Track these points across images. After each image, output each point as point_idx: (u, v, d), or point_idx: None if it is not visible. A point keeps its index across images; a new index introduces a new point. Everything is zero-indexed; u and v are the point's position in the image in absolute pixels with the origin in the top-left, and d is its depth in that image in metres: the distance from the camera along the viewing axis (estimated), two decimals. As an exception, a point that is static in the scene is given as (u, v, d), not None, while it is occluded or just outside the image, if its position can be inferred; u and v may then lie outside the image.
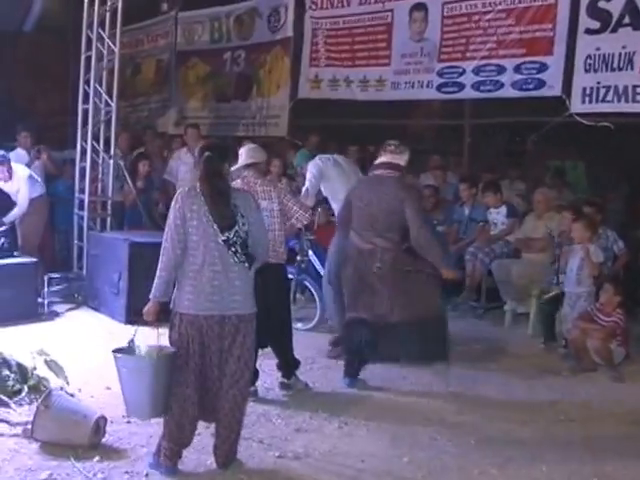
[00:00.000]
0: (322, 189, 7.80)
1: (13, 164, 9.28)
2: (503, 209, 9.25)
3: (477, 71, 10.22)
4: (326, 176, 7.79)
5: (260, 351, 5.92)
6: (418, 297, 6.08)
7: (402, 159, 6.19)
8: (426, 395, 6.57)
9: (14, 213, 9.16)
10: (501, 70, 9.99)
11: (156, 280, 4.79)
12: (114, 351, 4.86)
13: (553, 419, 6.07)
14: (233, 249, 4.65)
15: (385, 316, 6.19)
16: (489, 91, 10.13)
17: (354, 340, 6.43)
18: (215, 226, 4.64)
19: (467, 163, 11.07)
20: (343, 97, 11.82)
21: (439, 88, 10.61)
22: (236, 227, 4.66)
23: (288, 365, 6.56)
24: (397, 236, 5.95)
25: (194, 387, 4.73)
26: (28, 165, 10.16)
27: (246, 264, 4.70)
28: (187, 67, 14.47)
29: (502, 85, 9.98)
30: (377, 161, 6.21)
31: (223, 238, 4.64)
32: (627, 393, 6.71)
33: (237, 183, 6.04)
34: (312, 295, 8.50)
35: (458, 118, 11.44)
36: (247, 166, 6.32)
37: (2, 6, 11.38)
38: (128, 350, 4.88)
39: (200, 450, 5.09)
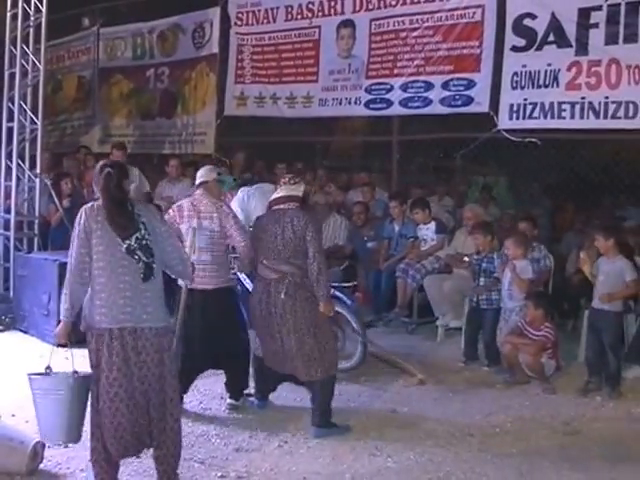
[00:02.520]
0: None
1: None
2: (432, 225, 9.35)
3: (405, 88, 10.36)
4: (249, 208, 8.16)
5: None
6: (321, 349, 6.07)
7: (299, 190, 6.25)
8: (363, 411, 6.58)
9: None
10: (429, 87, 10.16)
11: (62, 299, 4.74)
12: (29, 374, 4.79)
13: (489, 432, 6.13)
14: (136, 256, 4.62)
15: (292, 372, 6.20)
16: (417, 107, 10.28)
17: (265, 376, 6.49)
18: (116, 235, 4.62)
19: (396, 180, 11.17)
20: (270, 114, 11.85)
21: (367, 105, 10.72)
22: (137, 234, 4.65)
23: (239, 386, 6.56)
24: (304, 262, 6.02)
25: (125, 404, 4.60)
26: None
27: (142, 274, 4.65)
28: (110, 84, 14.33)
29: (430, 101, 10.14)
30: (275, 196, 6.24)
31: (125, 245, 4.62)
32: (559, 404, 6.83)
33: (184, 201, 6.59)
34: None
35: (386, 134, 11.57)
36: (198, 185, 6.63)
37: None
38: (44, 374, 4.80)
39: (142, 474, 5.00)
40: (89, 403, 4.71)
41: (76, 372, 4.74)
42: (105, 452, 4.66)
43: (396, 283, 9.23)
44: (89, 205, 4.76)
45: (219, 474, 5.21)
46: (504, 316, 7.71)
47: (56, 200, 9.90)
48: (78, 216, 4.70)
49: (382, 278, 9.39)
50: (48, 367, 4.79)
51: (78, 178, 10.90)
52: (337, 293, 7.28)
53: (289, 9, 11.62)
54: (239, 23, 12.17)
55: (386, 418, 6.41)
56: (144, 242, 4.66)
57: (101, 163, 4.94)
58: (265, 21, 11.91)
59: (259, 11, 11.98)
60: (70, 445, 5.26)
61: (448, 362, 8.10)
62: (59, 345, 4.80)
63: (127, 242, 4.61)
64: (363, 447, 5.75)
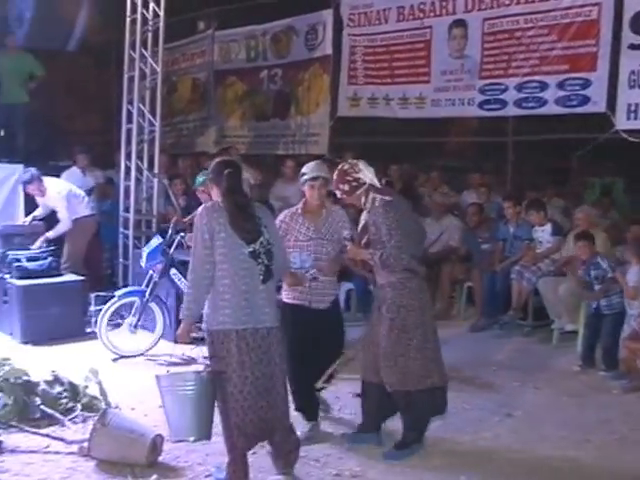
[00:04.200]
0: None
1: (47, 180, 9.34)
2: (548, 227, 9.16)
3: (520, 88, 10.19)
4: None
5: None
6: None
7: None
8: (477, 414, 6.49)
9: (57, 229, 9.21)
10: (544, 87, 9.96)
11: (185, 299, 4.82)
12: (157, 375, 4.92)
13: (607, 439, 5.98)
14: (260, 260, 4.70)
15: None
16: (532, 108, 10.10)
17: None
18: (240, 238, 4.67)
19: (510, 181, 11.00)
20: (382, 115, 11.84)
21: (481, 105, 10.59)
22: (261, 238, 4.73)
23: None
24: None
25: (249, 403, 4.70)
26: (83, 186, 10.28)
27: (262, 276, 4.72)
28: (225, 86, 14.57)
29: (545, 102, 9.94)
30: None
31: (249, 249, 4.68)
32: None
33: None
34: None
35: (498, 135, 11.40)
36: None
37: (47, 25, 11.54)
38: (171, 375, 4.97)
39: (258, 469, 5.07)
40: (217, 399, 4.79)
41: (203, 369, 4.88)
42: (240, 448, 4.76)
43: (511, 285, 9.08)
44: (209, 205, 4.82)
45: (334, 472, 5.24)
46: (627, 321, 7.49)
47: (174, 200, 10.18)
48: (199, 216, 4.76)
49: (496, 280, 9.24)
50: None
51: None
52: None
53: (401, 10, 11.57)
54: (351, 24, 12.19)
55: (500, 422, 6.32)
56: (268, 247, 4.75)
57: (218, 161, 5.01)
58: (377, 22, 11.89)
59: (371, 12, 11.97)
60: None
61: (564, 366, 7.93)
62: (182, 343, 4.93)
63: (252, 246, 4.68)
64: (477, 448, 5.70)
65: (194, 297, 4.75)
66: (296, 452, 5.01)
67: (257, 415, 4.71)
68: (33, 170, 9.25)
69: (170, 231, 8.08)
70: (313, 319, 5.65)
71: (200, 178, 8.01)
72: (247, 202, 4.82)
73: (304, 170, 5.81)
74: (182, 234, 7.95)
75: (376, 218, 5.32)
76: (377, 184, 5.43)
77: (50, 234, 9.18)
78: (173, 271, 8.05)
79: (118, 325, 8.17)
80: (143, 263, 8.14)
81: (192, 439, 4.92)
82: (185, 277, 7.82)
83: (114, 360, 7.75)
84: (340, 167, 5.49)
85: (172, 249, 7.97)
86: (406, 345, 5.35)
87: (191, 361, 7.48)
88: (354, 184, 5.37)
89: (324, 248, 5.67)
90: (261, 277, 4.71)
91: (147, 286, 8.00)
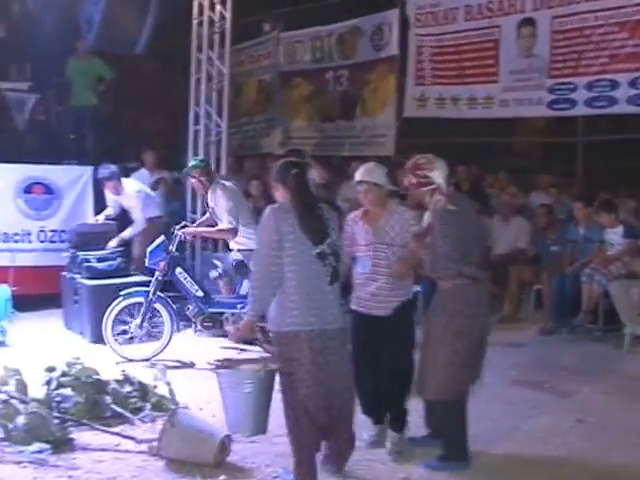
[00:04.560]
0: None
1: (125, 180, 9.48)
2: (620, 229, 8.97)
3: (590, 87, 10.02)
4: None
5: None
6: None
7: None
8: (547, 419, 6.37)
9: (131, 230, 9.34)
10: (615, 85, 9.78)
11: (249, 299, 4.82)
12: (216, 368, 4.99)
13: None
14: (327, 261, 4.68)
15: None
16: (602, 107, 9.92)
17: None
18: (309, 239, 4.65)
19: (580, 181, 10.81)
20: (450, 116, 11.74)
21: (550, 105, 10.44)
22: (328, 240, 4.71)
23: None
24: None
25: (316, 403, 4.69)
26: (150, 186, 10.45)
27: (329, 277, 4.70)
28: (290, 87, 14.61)
29: (616, 101, 9.76)
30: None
31: (317, 251, 4.65)
32: None
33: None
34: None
35: (566, 134, 11.22)
36: None
37: (115, 29, 11.73)
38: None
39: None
40: (284, 402, 4.79)
41: (264, 365, 4.91)
42: (308, 450, 4.76)
43: (581, 288, 8.92)
44: (276, 206, 4.79)
45: (402, 475, 5.20)
46: None
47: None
48: (265, 217, 4.73)
49: (566, 283, 9.09)
50: (224, 360, 4.98)
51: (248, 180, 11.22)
52: None
53: (468, 9, 11.46)
54: (418, 24, 12.12)
55: (572, 428, 6.19)
56: (335, 248, 4.75)
57: (284, 161, 5.00)
58: (444, 22, 11.80)
59: (438, 12, 11.89)
60: (256, 440, 5.43)
61: (635, 372, 7.77)
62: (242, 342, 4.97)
63: (320, 247, 4.66)
64: (548, 454, 5.61)
65: (259, 297, 4.74)
66: (350, 453, 5.01)
67: (327, 416, 4.71)
68: (113, 167, 9.37)
69: (174, 229, 8.08)
70: (372, 326, 5.47)
71: (193, 163, 8.24)
72: (315, 203, 4.81)
73: (355, 173, 5.70)
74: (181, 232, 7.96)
75: (434, 221, 5.22)
76: (445, 188, 5.30)
77: (125, 234, 9.32)
78: (179, 270, 7.99)
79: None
80: (147, 261, 8.08)
81: (247, 434, 5.01)
82: (191, 277, 7.97)
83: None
84: (415, 159, 5.38)
85: (174, 247, 7.91)
86: (456, 353, 5.21)
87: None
88: (423, 180, 5.25)
89: (383, 253, 5.43)
90: (328, 278, 4.69)
91: (152, 286, 7.86)
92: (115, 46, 12.21)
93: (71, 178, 10.30)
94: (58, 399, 5.94)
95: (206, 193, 8.19)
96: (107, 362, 7.05)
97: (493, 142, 12.68)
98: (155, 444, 5.40)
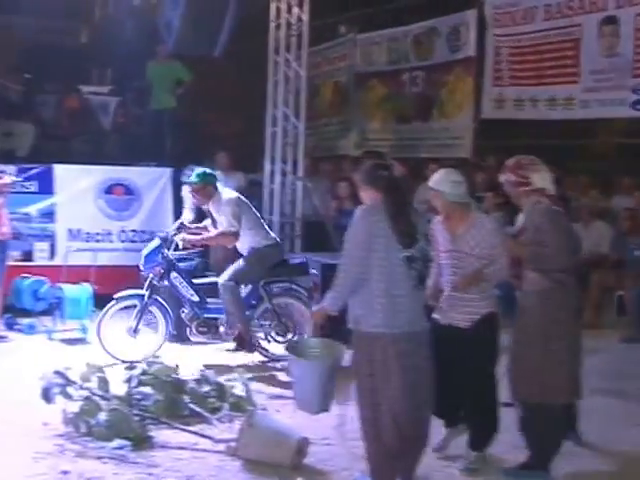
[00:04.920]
0: None
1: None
2: None
3: (676, 86, 9.76)
4: None
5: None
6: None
7: None
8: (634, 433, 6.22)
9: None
10: None
11: (331, 294, 4.78)
12: (287, 348, 5.09)
13: None
14: (414, 265, 4.63)
15: None
16: (689, 107, 9.66)
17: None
18: (399, 242, 4.61)
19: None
20: (529, 117, 11.55)
21: (634, 105, 10.17)
22: (419, 244, 4.67)
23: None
24: None
25: (401, 406, 4.63)
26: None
27: (416, 281, 4.66)
28: (366, 89, 14.57)
29: None
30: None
31: (406, 254, 4.61)
32: None
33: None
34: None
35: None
36: None
37: (194, 32, 11.88)
38: (300, 347, 5.16)
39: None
40: (360, 404, 4.77)
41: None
42: (386, 455, 4.72)
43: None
44: (368, 207, 4.77)
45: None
46: None
47: (316, 203, 10.28)
48: (356, 217, 4.71)
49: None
50: (295, 342, 5.06)
51: (335, 182, 11.23)
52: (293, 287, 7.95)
53: (548, 8, 11.26)
54: (496, 24, 11.95)
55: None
56: (424, 252, 4.71)
57: (373, 163, 4.94)
58: (523, 21, 11.61)
59: (517, 11, 11.71)
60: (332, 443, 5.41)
61: None
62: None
63: (410, 251, 4.62)
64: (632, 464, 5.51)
65: (341, 295, 4.73)
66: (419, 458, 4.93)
67: (407, 418, 4.65)
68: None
69: (168, 233, 8.02)
70: (450, 337, 5.25)
71: (190, 179, 8.03)
72: (407, 205, 4.79)
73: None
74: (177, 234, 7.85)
75: (539, 223, 5.13)
76: (550, 191, 5.23)
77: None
78: (174, 274, 7.91)
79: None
80: (141, 265, 8.04)
81: (314, 411, 5.10)
82: (187, 282, 7.86)
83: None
84: (519, 158, 5.34)
85: (170, 251, 7.87)
86: (545, 356, 5.11)
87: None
88: (522, 180, 5.21)
89: (461, 262, 5.28)
90: (414, 282, 4.66)
91: (147, 290, 7.83)
92: (194, 49, 12.38)
93: (150, 180, 10.48)
94: (138, 397, 6.03)
95: (206, 204, 8.03)
96: (185, 361, 7.11)
97: (572, 144, 12.41)
98: (233, 444, 5.44)
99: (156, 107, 12.28)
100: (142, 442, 5.54)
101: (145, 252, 8.05)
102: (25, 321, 8.83)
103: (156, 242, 8.06)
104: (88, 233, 10.09)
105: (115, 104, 12.69)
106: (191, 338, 8.11)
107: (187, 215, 9.55)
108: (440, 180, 5.39)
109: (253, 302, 7.92)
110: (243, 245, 7.84)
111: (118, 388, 6.17)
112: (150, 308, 7.85)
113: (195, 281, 7.97)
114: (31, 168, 10.18)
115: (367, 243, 4.60)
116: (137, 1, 13.44)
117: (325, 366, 4.92)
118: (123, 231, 10.23)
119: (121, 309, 7.88)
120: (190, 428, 5.83)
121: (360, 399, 4.74)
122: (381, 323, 4.61)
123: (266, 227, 8.09)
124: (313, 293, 8.37)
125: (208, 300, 7.95)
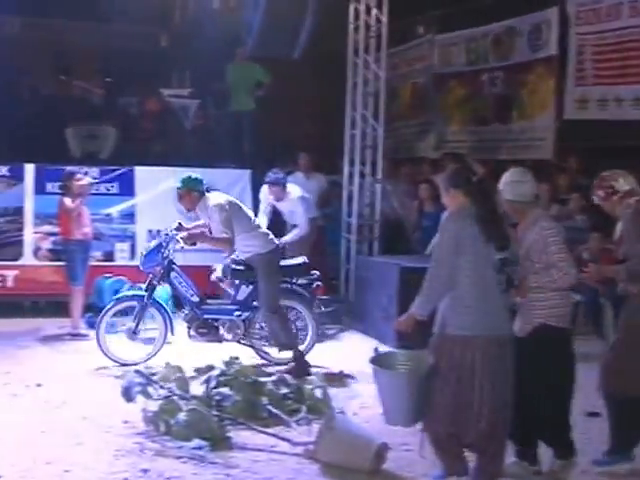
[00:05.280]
0: None
1: (289, 186, 9.57)
2: None
3: None
4: None
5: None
6: None
7: None
8: None
9: (295, 233, 9.43)
10: None
11: (421, 298, 4.76)
12: (371, 361, 4.93)
13: None
14: (505, 269, 4.65)
15: None
16: None
17: None
18: (488, 246, 4.59)
19: None
20: (613, 117, 11.22)
21: None
22: (510, 248, 4.69)
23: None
24: None
25: (488, 409, 4.62)
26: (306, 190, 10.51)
27: (504, 285, 4.67)
28: (445, 90, 14.39)
29: None
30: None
31: (497, 257, 4.62)
32: None
33: None
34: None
35: None
36: None
37: (273, 34, 11.92)
38: (385, 359, 5.02)
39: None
40: (437, 405, 4.72)
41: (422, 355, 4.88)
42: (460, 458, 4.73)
43: None
44: (456, 211, 4.77)
45: None
46: None
47: (396, 205, 10.21)
48: (446, 221, 4.78)
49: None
50: (380, 353, 5.02)
51: (414, 184, 11.14)
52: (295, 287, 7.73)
53: (633, 4, 10.92)
54: (579, 22, 11.66)
55: None
56: (512, 256, 4.71)
57: (459, 167, 4.96)
58: (607, 18, 11.28)
59: (600, 8, 11.39)
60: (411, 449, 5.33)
61: None
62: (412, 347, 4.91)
63: (501, 255, 4.62)
64: None
65: (429, 298, 4.73)
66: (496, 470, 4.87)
67: (485, 422, 4.61)
68: (281, 174, 9.46)
69: (165, 233, 7.87)
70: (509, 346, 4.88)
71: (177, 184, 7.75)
72: (496, 209, 4.78)
73: None
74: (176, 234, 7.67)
75: (626, 224, 5.14)
76: (636, 192, 5.26)
77: (286, 238, 9.32)
78: (174, 274, 7.78)
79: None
80: (141, 265, 7.93)
81: (406, 425, 4.99)
82: (186, 282, 7.73)
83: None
84: (599, 176, 5.46)
85: (170, 251, 7.72)
86: None
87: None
88: (609, 191, 5.33)
89: (521, 265, 5.01)
90: (503, 286, 4.65)
91: (146, 290, 7.72)
92: (273, 51, 12.41)
93: (229, 181, 10.55)
94: (217, 397, 6.07)
95: (193, 210, 7.84)
96: (263, 363, 7.12)
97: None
98: (311, 447, 5.44)
99: (235, 109, 12.38)
100: (220, 443, 5.58)
101: (144, 252, 7.92)
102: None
103: (156, 241, 7.97)
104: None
105: (195, 106, 12.82)
106: (190, 339, 7.89)
107: (261, 219, 9.52)
108: (503, 180, 5.31)
109: (254, 304, 7.74)
110: (244, 251, 7.65)
111: (197, 388, 6.21)
112: (150, 309, 7.74)
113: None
114: (113, 170, 10.36)
115: (456, 247, 4.61)
116: (216, 4, 13.53)
117: (416, 378, 4.81)
118: (203, 232, 10.30)
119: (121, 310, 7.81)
120: (268, 430, 5.85)
121: (438, 399, 4.68)
122: (471, 326, 4.59)
123: (263, 229, 7.85)
124: (315, 294, 8.26)
125: (208, 301, 7.84)
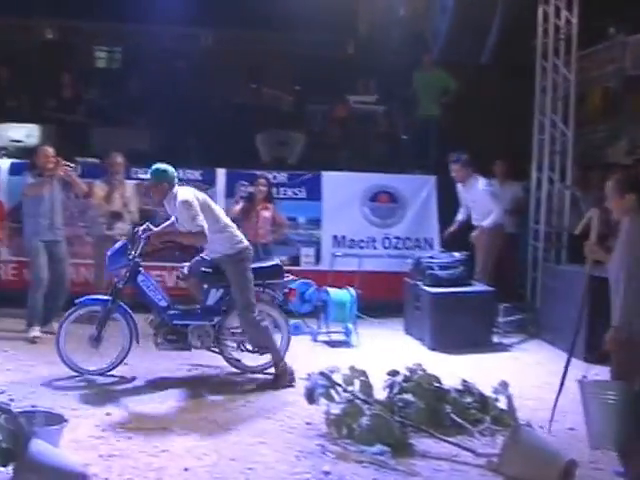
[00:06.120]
0: None
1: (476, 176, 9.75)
2: None
3: None
4: None
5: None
6: None
7: None
8: None
9: (491, 219, 9.57)
10: None
11: (621, 307, 4.68)
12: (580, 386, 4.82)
13: None
14: None
15: None
16: None
17: None
18: None
19: None
20: None
21: None
22: None
23: None
24: None
25: None
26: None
27: None
28: (637, 93, 13.80)
29: None
30: None
31: None
32: None
33: None
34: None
35: None
36: None
37: (461, 39, 11.85)
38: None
39: None
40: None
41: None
42: None
43: None
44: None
45: None
46: None
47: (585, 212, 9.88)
48: (632, 227, 4.76)
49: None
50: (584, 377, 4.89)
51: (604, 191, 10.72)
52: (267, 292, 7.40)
53: None
54: None
55: None
56: None
57: (631, 172, 4.84)
58: None
59: None
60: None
61: None
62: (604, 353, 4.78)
63: None
64: None
65: (627, 310, 4.68)
66: None
67: None
68: (464, 155, 9.73)
69: (135, 233, 7.29)
70: None
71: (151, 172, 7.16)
72: None
73: None
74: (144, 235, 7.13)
75: None
76: None
77: (488, 222, 9.53)
78: (141, 277, 7.24)
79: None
80: (106, 267, 7.48)
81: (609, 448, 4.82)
82: (154, 286, 7.22)
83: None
84: None
85: (137, 252, 7.13)
86: None
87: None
88: None
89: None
90: None
91: (110, 294, 7.18)
92: (460, 56, 12.32)
93: (415, 187, 10.59)
94: (400, 404, 6.04)
95: (160, 202, 7.37)
96: (446, 370, 7.06)
97: None
98: (495, 459, 5.32)
99: (421, 115, 12.37)
100: (402, 449, 5.56)
101: (109, 253, 7.36)
102: (291, 322, 9.18)
103: (121, 242, 7.52)
104: (352, 240, 10.34)
105: (381, 113, 12.90)
106: (158, 348, 7.33)
107: (459, 217, 9.79)
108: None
109: (223, 308, 7.34)
110: (212, 250, 7.27)
111: (380, 393, 6.22)
112: (114, 315, 7.22)
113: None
114: (300, 175, 10.61)
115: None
116: (402, 11, 13.58)
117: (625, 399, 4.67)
118: (387, 238, 10.42)
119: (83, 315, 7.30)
120: (451, 439, 5.76)
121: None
122: None
123: (233, 230, 7.29)
124: (288, 299, 7.98)
125: (177, 306, 7.37)
